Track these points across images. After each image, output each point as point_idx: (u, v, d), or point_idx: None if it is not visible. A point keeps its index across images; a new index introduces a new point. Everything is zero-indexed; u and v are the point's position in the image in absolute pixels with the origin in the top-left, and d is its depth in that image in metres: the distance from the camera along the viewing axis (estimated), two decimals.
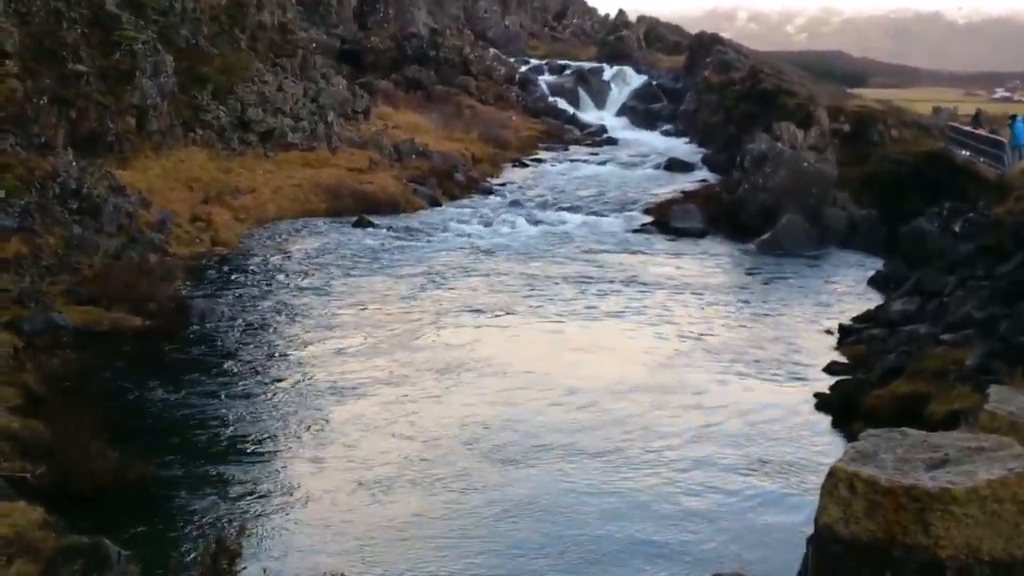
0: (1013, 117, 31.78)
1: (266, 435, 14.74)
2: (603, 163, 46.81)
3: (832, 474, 6.89)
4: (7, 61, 26.23)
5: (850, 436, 14.47)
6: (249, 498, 12.69)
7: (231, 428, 14.91)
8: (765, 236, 30.38)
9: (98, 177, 25.32)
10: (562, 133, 56.06)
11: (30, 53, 27.43)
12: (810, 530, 7.59)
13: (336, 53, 57.38)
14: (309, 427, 15.12)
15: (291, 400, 16.25)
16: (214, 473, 13.37)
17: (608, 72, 68.88)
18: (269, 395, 16.43)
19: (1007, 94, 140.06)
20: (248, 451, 14.16)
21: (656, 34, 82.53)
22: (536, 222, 33.07)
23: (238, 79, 36.28)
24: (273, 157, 35.34)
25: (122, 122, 30.03)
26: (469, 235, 30.59)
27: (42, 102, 26.60)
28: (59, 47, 28.54)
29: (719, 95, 52.58)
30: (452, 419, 15.58)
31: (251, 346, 19.00)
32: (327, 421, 15.36)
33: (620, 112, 64.10)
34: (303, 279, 24.41)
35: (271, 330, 20.14)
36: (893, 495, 6.61)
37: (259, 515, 12.25)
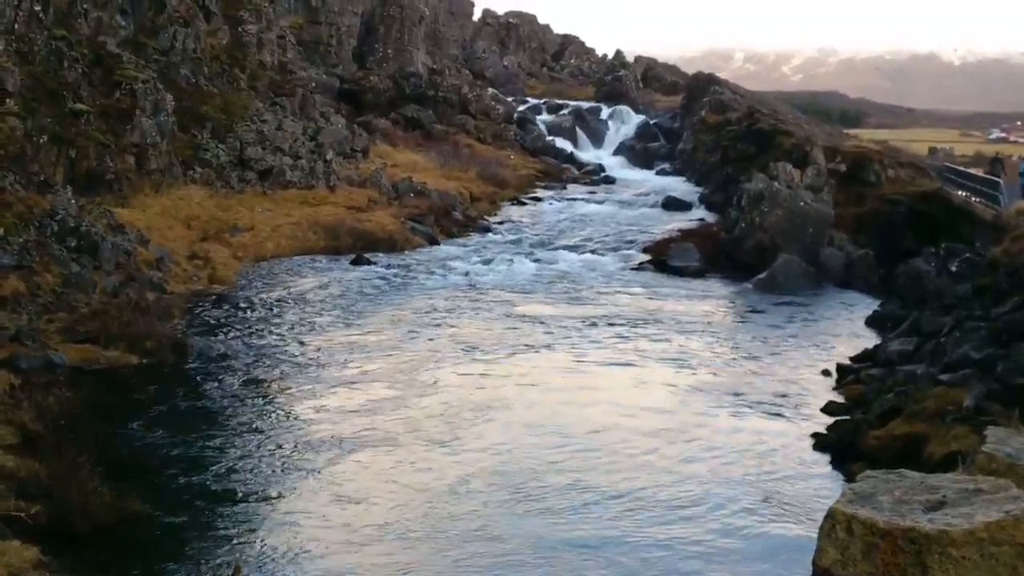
0: None
1: (263, 476, 14.67)
2: (601, 202, 47.01)
3: (830, 516, 6.86)
4: (8, 100, 26.37)
5: (848, 476, 14.46)
6: (244, 539, 12.61)
7: (228, 468, 14.84)
8: (762, 275, 30.43)
9: (97, 215, 25.39)
10: (560, 172, 56.36)
11: (31, 92, 27.59)
12: (808, 573, 7.55)
13: (335, 92, 57.80)
14: (307, 467, 15.02)
15: (289, 441, 16.18)
16: (210, 513, 13.30)
17: (606, 112, 69.41)
18: (267, 435, 16.36)
19: (1002, 134, 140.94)
20: (245, 492, 14.08)
21: (653, 74, 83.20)
22: (534, 260, 33.13)
23: (238, 118, 36.49)
24: (272, 195, 35.46)
25: (121, 161, 30.16)
26: (467, 273, 30.62)
27: (42, 140, 26.72)
28: (60, 86, 28.73)
29: (716, 135, 52.92)
30: (453, 461, 15.47)
31: (249, 385, 18.94)
32: (326, 462, 15.26)
33: (618, 151, 64.50)
34: (301, 317, 24.40)
35: (269, 369, 20.10)
36: (891, 537, 6.58)
37: (253, 556, 12.18)
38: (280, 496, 14.05)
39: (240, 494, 13.97)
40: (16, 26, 28.07)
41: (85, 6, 31.75)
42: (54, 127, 27.60)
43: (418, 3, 72.76)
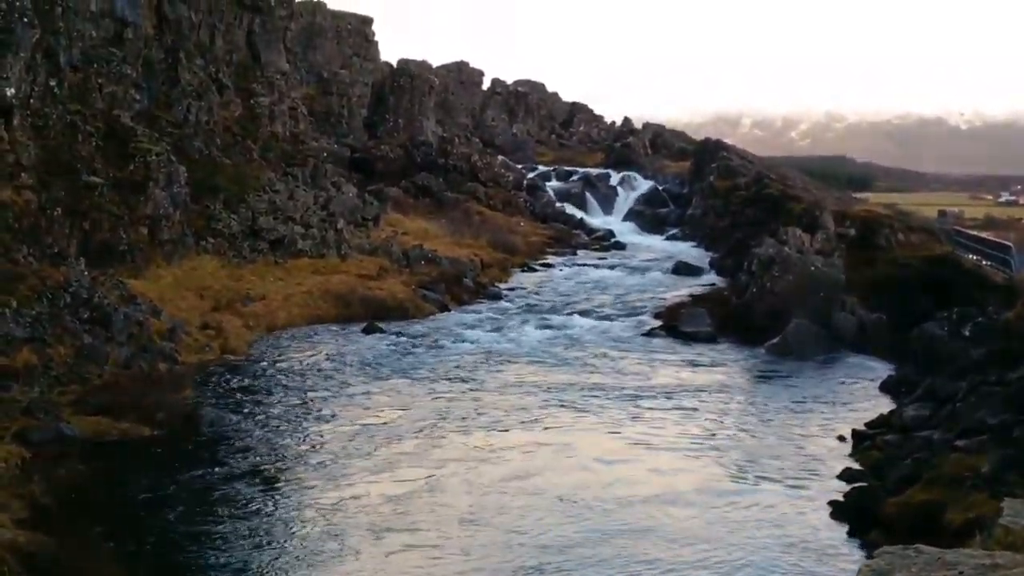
0: None
1: (277, 554, 14.54)
2: (611, 267, 47.08)
3: None
4: (23, 173, 26.67)
5: (866, 545, 14.30)
6: None
7: (241, 544, 14.72)
8: (774, 340, 30.29)
9: (110, 287, 25.54)
10: (570, 238, 56.53)
11: (45, 165, 27.91)
12: None
13: (347, 161, 58.33)
14: (324, 547, 14.88)
15: (302, 516, 16.06)
16: None
17: (615, 178, 69.81)
18: (280, 510, 16.25)
19: (1012, 197, 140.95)
20: (257, 570, 13.95)
21: (662, 140, 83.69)
22: (545, 327, 33.08)
23: (250, 188, 36.79)
24: (283, 264, 35.63)
25: (135, 232, 30.38)
26: (478, 340, 30.57)
27: (56, 213, 26.96)
28: (74, 159, 29.06)
29: (725, 200, 53.15)
30: (477, 540, 15.24)
31: (261, 458, 18.84)
32: (342, 543, 15.05)
33: (627, 217, 64.77)
34: (312, 386, 24.36)
35: (281, 441, 20.02)
36: None
37: None
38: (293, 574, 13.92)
39: (252, 571, 13.84)
40: (31, 100, 28.48)
41: (100, 80, 32.20)
42: (68, 200, 27.87)
43: (428, 73, 73.75)
